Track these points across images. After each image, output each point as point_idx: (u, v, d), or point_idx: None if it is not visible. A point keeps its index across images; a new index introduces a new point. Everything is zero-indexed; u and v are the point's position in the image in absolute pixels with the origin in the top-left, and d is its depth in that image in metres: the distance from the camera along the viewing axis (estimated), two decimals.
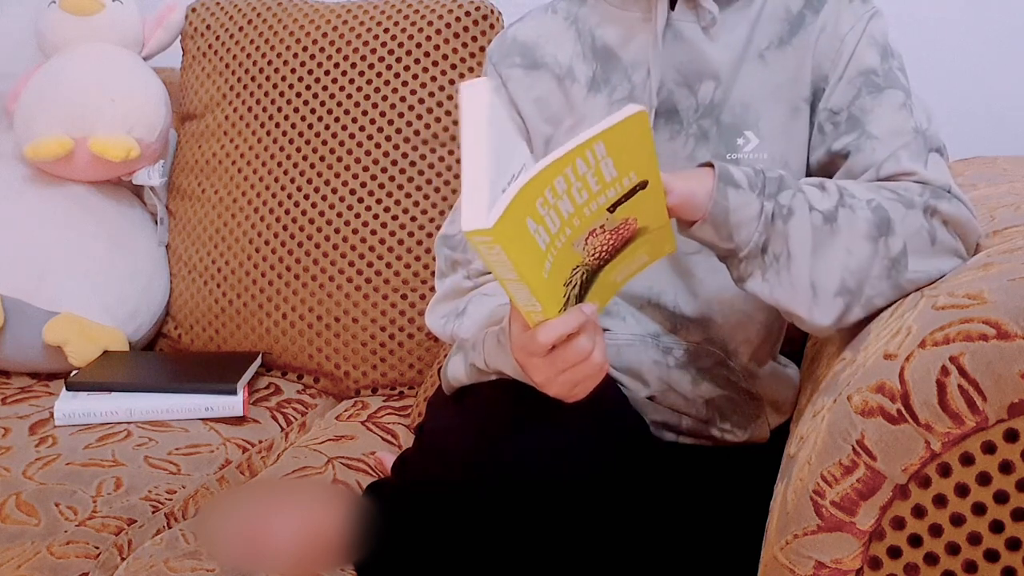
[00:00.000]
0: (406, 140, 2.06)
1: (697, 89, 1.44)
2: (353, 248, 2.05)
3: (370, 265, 2.04)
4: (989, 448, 1.06)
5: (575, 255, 1.18)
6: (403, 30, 2.09)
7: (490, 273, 1.44)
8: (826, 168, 1.42)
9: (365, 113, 2.08)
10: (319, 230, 2.07)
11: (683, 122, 1.45)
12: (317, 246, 2.07)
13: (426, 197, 2.05)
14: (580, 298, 1.23)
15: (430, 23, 2.08)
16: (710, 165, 1.28)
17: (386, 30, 2.09)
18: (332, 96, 2.10)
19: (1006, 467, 1.05)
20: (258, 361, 2.04)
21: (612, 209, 1.17)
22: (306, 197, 2.09)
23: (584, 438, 1.30)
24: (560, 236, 1.15)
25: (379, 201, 2.05)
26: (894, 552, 1.10)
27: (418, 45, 2.07)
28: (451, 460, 1.34)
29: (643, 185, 1.17)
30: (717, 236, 1.27)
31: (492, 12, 2.08)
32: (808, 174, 1.44)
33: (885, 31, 1.42)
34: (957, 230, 1.30)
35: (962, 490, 1.07)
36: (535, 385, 1.29)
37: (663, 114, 1.45)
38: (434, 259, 1.98)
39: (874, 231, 1.26)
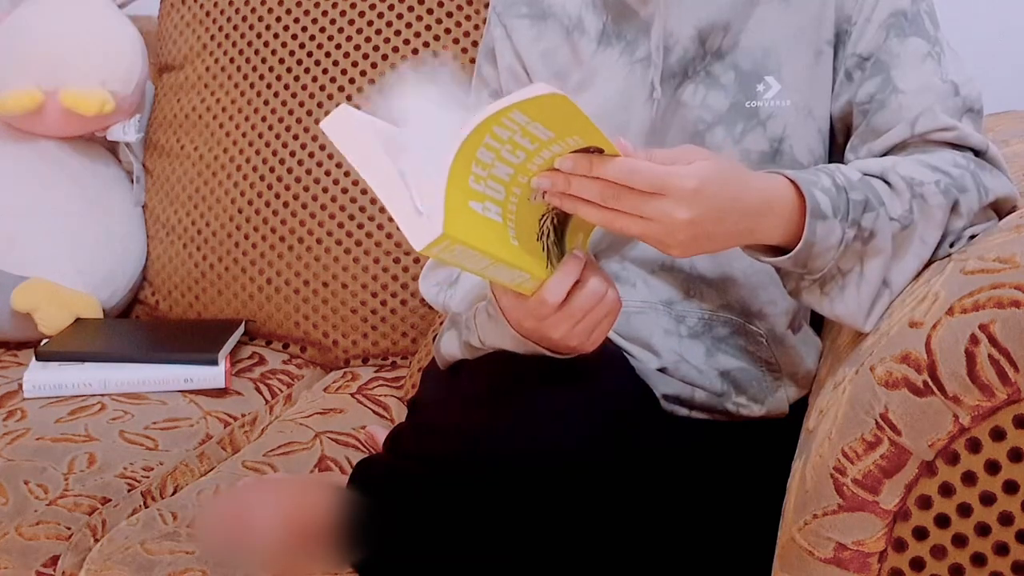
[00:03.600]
0: None
1: (706, 37, 1.44)
2: (342, 208, 2.04)
3: (360, 227, 2.04)
4: (1021, 422, 1.06)
5: (536, 207, 1.20)
6: None
7: None
8: (845, 120, 1.43)
9: (355, 64, 2.07)
10: (306, 189, 2.06)
11: (690, 73, 1.45)
12: (304, 206, 2.06)
13: None
14: (559, 243, 1.24)
15: None
16: (790, 181, 1.26)
17: None
18: (320, 46, 2.09)
19: None
20: (241, 329, 2.04)
21: None
22: (292, 154, 2.08)
23: (586, 412, 1.30)
24: (510, 200, 1.16)
25: None
26: (920, 533, 1.10)
27: None
28: (446, 436, 1.33)
29: (598, 150, 1.16)
30: (789, 265, 1.27)
31: None
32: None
33: None
34: (998, 207, 1.33)
35: (993, 467, 1.07)
36: (551, 346, 1.29)
37: (676, 71, 1.45)
38: None
39: (946, 215, 1.28)
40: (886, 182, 1.29)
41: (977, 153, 1.35)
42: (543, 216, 1.21)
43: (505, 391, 1.32)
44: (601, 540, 1.31)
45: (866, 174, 1.30)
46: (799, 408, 1.45)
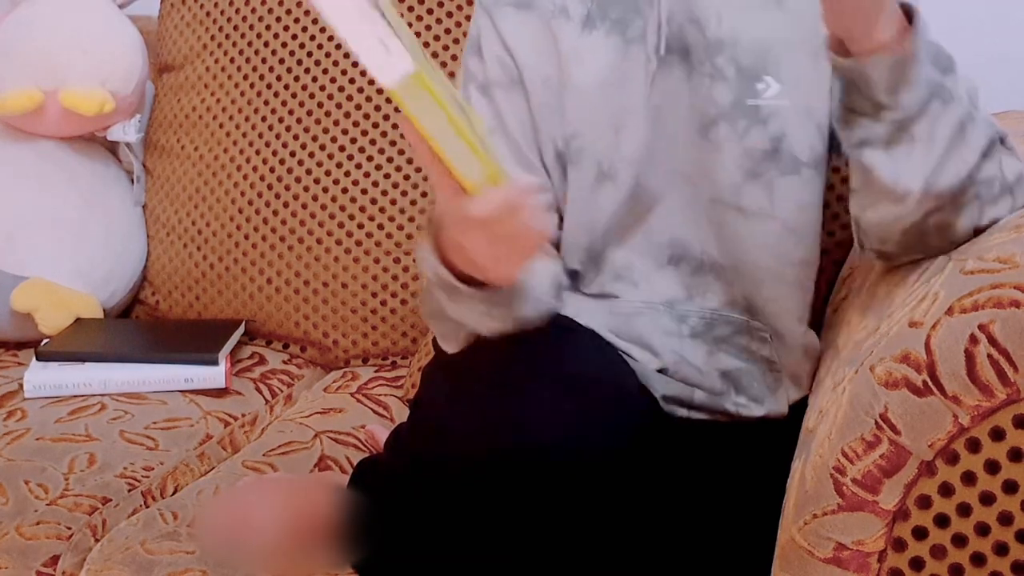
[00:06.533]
0: None
1: (704, 25, 1.46)
2: (342, 208, 2.05)
3: (360, 227, 2.04)
4: (1021, 422, 1.06)
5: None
6: None
7: None
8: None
9: (356, 64, 2.07)
10: (306, 189, 2.06)
11: (693, 61, 1.46)
12: (304, 206, 2.06)
13: None
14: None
15: None
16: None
17: None
18: (320, 47, 2.09)
19: None
20: (241, 329, 2.04)
21: None
22: (292, 154, 2.08)
23: (585, 413, 1.30)
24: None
25: (370, 159, 2.04)
26: (920, 533, 1.10)
27: None
28: (445, 436, 1.33)
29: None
30: (885, 78, 1.24)
31: None
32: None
33: None
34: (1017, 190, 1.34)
35: (992, 467, 1.07)
36: (460, 262, 1.27)
37: (676, 51, 1.47)
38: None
39: (986, 148, 1.29)
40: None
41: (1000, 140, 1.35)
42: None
43: (506, 390, 1.31)
44: (600, 541, 1.31)
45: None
46: (799, 409, 1.45)
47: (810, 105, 1.45)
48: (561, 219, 1.53)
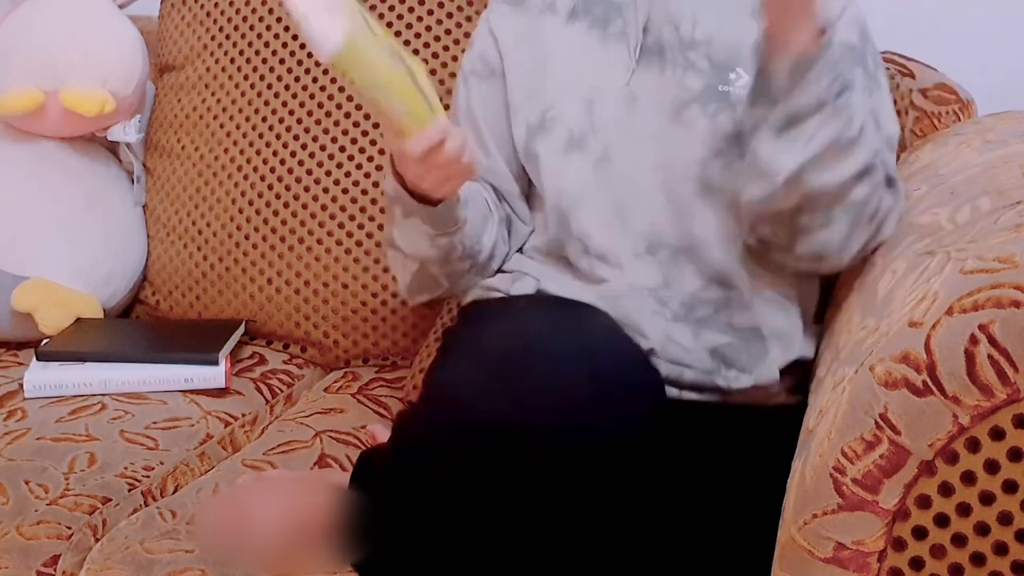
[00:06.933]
0: None
1: (679, 25, 1.61)
2: (343, 209, 2.05)
3: (361, 227, 2.04)
4: (1021, 422, 1.06)
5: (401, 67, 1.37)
6: None
7: None
8: None
9: None
10: (307, 189, 2.06)
11: (667, 57, 1.60)
12: (305, 207, 2.06)
13: None
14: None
15: None
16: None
17: None
18: None
19: None
20: (241, 329, 2.04)
21: None
22: (293, 154, 2.08)
23: (593, 397, 1.33)
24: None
25: (371, 159, 2.05)
26: (919, 533, 1.10)
27: None
28: (451, 416, 1.35)
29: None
30: (784, 76, 1.40)
31: None
32: None
33: (862, 12, 1.60)
34: (891, 220, 1.49)
35: (992, 467, 1.07)
36: (410, 184, 1.50)
37: (653, 50, 1.61)
38: None
39: (861, 171, 1.44)
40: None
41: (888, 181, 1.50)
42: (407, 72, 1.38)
43: (516, 368, 1.34)
44: (601, 533, 1.32)
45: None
46: (797, 409, 1.46)
47: None
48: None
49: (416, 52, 2.05)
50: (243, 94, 2.13)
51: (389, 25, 2.06)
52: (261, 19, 2.13)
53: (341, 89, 2.07)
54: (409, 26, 2.06)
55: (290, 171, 2.07)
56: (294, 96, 2.09)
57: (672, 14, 1.61)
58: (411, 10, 2.06)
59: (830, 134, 1.41)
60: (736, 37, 1.57)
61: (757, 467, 1.39)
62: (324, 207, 2.05)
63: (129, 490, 1.61)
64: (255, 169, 2.09)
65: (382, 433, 1.71)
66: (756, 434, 1.49)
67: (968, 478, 1.08)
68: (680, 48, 1.60)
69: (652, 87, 1.60)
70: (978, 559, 1.09)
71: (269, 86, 2.11)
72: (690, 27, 1.60)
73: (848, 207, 1.44)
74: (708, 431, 1.50)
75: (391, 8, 2.07)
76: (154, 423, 1.77)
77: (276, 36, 2.12)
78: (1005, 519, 1.08)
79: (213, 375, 1.89)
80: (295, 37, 2.10)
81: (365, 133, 2.05)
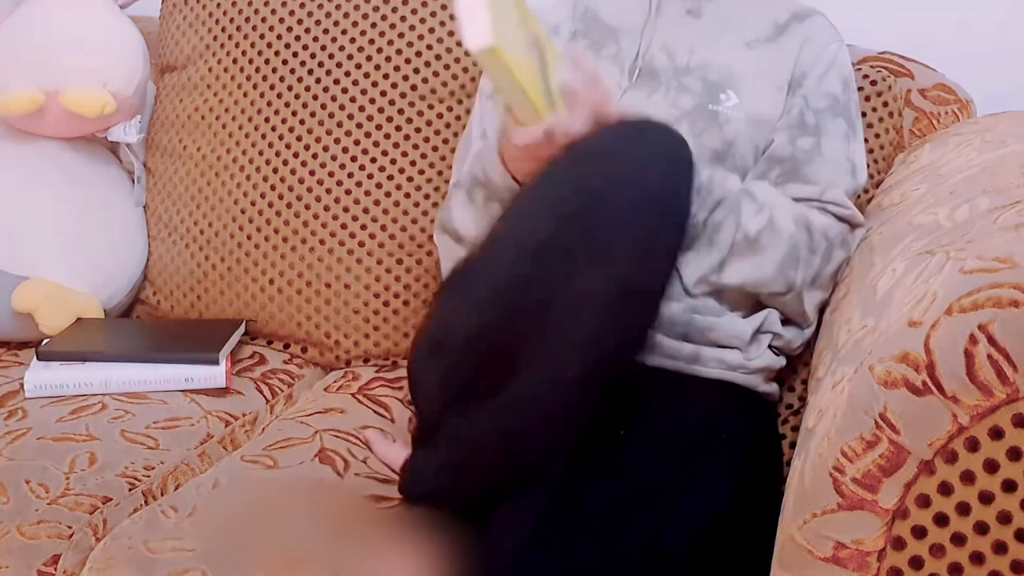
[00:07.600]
0: (403, 95, 2.06)
1: (674, 55, 1.75)
2: (345, 209, 2.05)
3: (363, 228, 2.04)
4: (1020, 422, 1.06)
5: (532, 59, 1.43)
6: None
7: None
8: (778, 154, 1.70)
9: (359, 66, 2.07)
10: (309, 190, 2.06)
11: (661, 80, 1.74)
12: (307, 207, 2.07)
13: (423, 156, 2.05)
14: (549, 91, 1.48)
15: None
16: None
17: None
18: (323, 48, 2.09)
19: None
20: (242, 329, 2.04)
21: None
22: (295, 155, 2.08)
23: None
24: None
25: (373, 160, 2.05)
26: (919, 532, 1.10)
27: None
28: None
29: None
30: None
31: None
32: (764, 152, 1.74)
33: (848, 63, 1.78)
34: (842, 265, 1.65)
35: (991, 466, 1.07)
36: (512, 170, 1.59)
37: (645, 74, 1.75)
38: (432, 222, 1.98)
39: (784, 262, 1.60)
40: (756, 203, 1.60)
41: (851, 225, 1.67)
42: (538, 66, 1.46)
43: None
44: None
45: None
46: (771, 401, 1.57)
47: (761, 121, 1.72)
48: None
49: (419, 54, 2.05)
50: (245, 95, 2.13)
51: (392, 27, 2.07)
52: (263, 20, 2.13)
53: (345, 90, 2.07)
54: (412, 28, 2.07)
55: (292, 171, 2.07)
56: (296, 96, 2.09)
57: (668, 44, 1.76)
58: (414, 12, 2.07)
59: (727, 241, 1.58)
60: (730, 63, 1.73)
61: (718, 429, 1.52)
62: (326, 207, 2.05)
63: (129, 490, 1.61)
64: (256, 169, 2.09)
65: (377, 441, 1.72)
66: (717, 395, 1.61)
67: (967, 477, 1.08)
68: (675, 74, 1.74)
69: (640, 105, 1.71)
70: (977, 558, 1.09)
71: (271, 87, 2.11)
72: (686, 56, 1.75)
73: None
74: (676, 397, 1.58)
75: (394, 10, 2.07)
76: (154, 423, 1.77)
77: (278, 37, 2.12)
78: (1004, 518, 1.08)
79: (213, 375, 1.89)
80: (297, 38, 2.10)
81: (368, 134, 2.05)
